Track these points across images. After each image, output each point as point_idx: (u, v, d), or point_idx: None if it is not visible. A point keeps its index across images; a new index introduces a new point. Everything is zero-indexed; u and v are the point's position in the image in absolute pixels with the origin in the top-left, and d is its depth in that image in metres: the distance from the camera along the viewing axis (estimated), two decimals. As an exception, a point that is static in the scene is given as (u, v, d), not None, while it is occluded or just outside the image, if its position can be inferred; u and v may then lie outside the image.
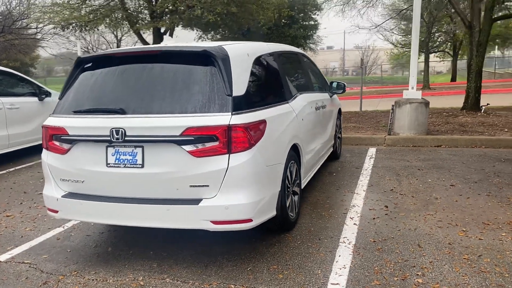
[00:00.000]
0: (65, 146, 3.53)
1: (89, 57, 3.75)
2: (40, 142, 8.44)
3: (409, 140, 8.36)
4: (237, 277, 3.33)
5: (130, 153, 3.34)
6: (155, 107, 3.31)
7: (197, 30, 21.46)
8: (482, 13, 10.47)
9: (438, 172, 6.13)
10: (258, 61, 3.87)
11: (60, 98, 3.75)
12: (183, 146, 3.20)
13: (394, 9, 27.36)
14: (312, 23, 26.04)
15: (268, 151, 3.50)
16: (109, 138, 3.31)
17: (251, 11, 12.18)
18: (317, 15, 26.53)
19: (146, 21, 12.59)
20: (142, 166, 3.31)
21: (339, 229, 4.19)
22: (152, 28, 11.96)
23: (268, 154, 3.50)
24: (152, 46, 3.72)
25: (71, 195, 3.57)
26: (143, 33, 12.99)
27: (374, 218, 4.42)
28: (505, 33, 29.58)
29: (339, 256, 3.61)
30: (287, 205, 3.95)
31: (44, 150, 3.75)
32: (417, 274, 3.25)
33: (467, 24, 10.74)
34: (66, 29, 12.04)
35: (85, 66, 3.74)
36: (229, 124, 3.16)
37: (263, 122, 3.47)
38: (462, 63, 38.04)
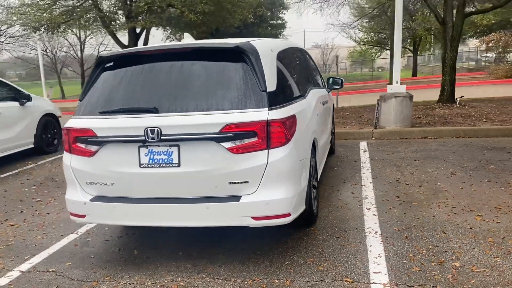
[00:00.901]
0: (93, 148, 3.42)
1: (111, 55, 3.64)
2: (24, 148, 8.13)
3: (396, 133, 8.59)
4: (277, 271, 3.34)
5: (165, 153, 3.28)
6: (191, 105, 3.26)
7: (165, 30, 21.17)
8: (454, 10, 10.90)
9: (434, 162, 6.34)
10: (279, 57, 3.89)
11: (81, 99, 3.63)
12: (222, 143, 3.18)
13: (364, 7, 28.02)
14: (280, 22, 26.22)
15: (299, 145, 3.53)
16: (143, 138, 3.24)
17: (229, 9, 12.15)
18: (284, 14, 26.78)
19: (121, 22, 12.32)
20: (179, 165, 3.26)
21: (360, 220, 4.27)
22: (127, 29, 11.71)
23: (300, 149, 3.53)
24: (180, 44, 3.65)
25: (100, 198, 3.47)
26: (120, 34, 12.71)
27: (390, 208, 4.53)
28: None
29: (370, 246, 3.68)
30: (312, 198, 3.99)
31: (65, 154, 3.62)
32: (452, 259, 3.37)
33: (440, 20, 11.15)
34: (37, 31, 11.59)
35: (106, 66, 3.63)
36: (267, 120, 3.17)
37: (294, 117, 3.49)
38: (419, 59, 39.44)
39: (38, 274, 3.56)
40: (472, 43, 43.96)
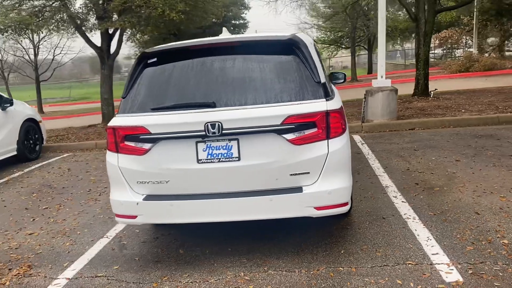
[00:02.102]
0: (145, 146, 3.32)
1: (156, 51, 3.54)
2: (7, 156, 7.72)
3: (384, 126, 8.87)
4: (338, 260, 3.39)
5: (224, 147, 3.25)
6: (249, 98, 3.25)
7: (128, 31, 20.50)
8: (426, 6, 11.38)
9: (434, 151, 6.62)
10: (316, 49, 3.94)
11: (124, 97, 3.51)
12: (283, 135, 3.19)
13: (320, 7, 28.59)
14: (242, 22, 26.28)
15: (348, 135, 3.60)
16: (203, 133, 3.19)
17: (205, 8, 12.06)
18: (246, 14, 26.87)
19: (93, 23, 11.92)
20: (239, 159, 3.24)
21: (393, 207, 4.40)
22: (102, 29, 11.34)
23: (348, 139, 3.60)
24: (230, 37, 3.60)
25: (154, 197, 3.38)
26: (91, 35, 12.28)
27: (415, 195, 4.70)
28: (408, 26, 31.98)
29: (415, 230, 3.81)
30: (351, 188, 4.07)
31: (111, 154, 3.49)
32: (498, 237, 3.55)
33: (413, 16, 11.61)
34: (4, 33, 10.98)
35: (149, 61, 3.53)
36: (327, 110, 3.21)
37: (343, 107, 3.56)
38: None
39: (88, 280, 3.42)
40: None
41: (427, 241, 3.58)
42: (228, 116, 3.18)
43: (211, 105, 3.24)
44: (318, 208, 3.25)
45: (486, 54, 25.23)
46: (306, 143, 3.21)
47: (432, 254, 3.35)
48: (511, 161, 5.69)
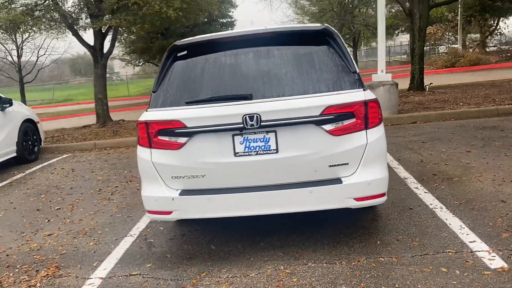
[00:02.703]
0: (181, 140, 3.25)
1: (187, 43, 3.47)
2: (7, 157, 7.52)
3: (386, 120, 8.88)
4: (376, 251, 3.38)
5: (262, 139, 3.20)
6: (286, 89, 3.21)
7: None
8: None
9: (442, 143, 6.68)
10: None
11: (154, 91, 3.43)
12: (322, 126, 3.16)
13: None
14: (229, 20, 26.18)
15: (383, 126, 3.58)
16: (241, 125, 3.14)
17: (200, 6, 11.96)
18: (232, 12, 26.76)
19: (86, 22, 11.71)
20: (277, 151, 3.20)
21: (417, 198, 4.42)
22: (97, 28, 11.15)
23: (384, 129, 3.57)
24: (263, 28, 3.54)
25: (190, 192, 3.31)
26: (82, 34, 12.06)
27: (436, 186, 4.73)
28: (392, 23, 32.35)
29: (446, 219, 3.83)
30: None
31: (142, 149, 3.41)
32: (530, 223, 3.59)
33: (407, 12, 11.72)
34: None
35: (179, 54, 3.46)
36: (365, 100, 3.19)
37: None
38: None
39: (123, 279, 3.34)
40: (403, 38, 46.46)
41: (461, 229, 3.60)
42: (266, 107, 3.14)
43: (248, 97, 3.19)
44: (357, 199, 3.23)
45: (471, 50, 25.65)
46: (345, 133, 3.18)
47: (470, 242, 3.37)
48: (521, 151, 5.78)
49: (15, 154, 7.92)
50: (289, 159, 3.20)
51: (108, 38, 12.09)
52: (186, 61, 3.45)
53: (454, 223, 3.73)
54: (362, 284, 2.94)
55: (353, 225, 3.88)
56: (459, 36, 25.76)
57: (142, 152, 3.41)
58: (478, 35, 29.74)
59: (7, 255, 4.01)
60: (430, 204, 4.20)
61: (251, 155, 3.21)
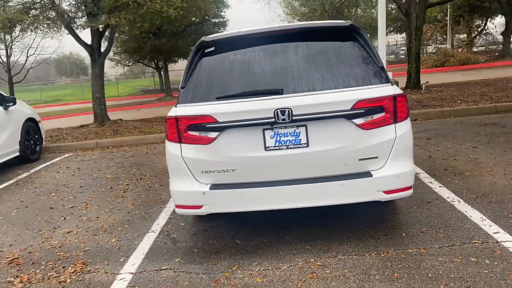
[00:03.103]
0: (211, 135, 3.28)
1: (215, 39, 3.50)
2: (11, 156, 7.45)
3: (387, 118, 9.02)
4: (403, 243, 3.45)
5: (292, 134, 3.25)
6: (317, 84, 3.26)
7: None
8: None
9: (447, 139, 6.80)
10: None
11: (183, 87, 3.45)
12: (353, 120, 3.21)
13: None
14: (222, 20, 26.18)
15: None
16: (272, 120, 3.18)
17: (198, 5, 11.97)
18: (224, 12, 26.76)
19: (85, 20, 11.63)
20: (307, 145, 3.24)
21: (433, 192, 4.50)
22: (93, 27, 11.08)
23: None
24: (289, 25, 3.59)
25: (221, 186, 3.34)
26: (79, 32, 11.97)
27: (449, 180, 4.82)
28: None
29: (466, 212, 3.91)
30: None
31: (172, 144, 3.43)
32: (548, 214, 3.69)
33: (404, 11, 11.87)
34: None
35: (207, 50, 3.49)
36: (394, 95, 3.26)
37: None
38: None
39: (154, 273, 3.35)
40: (390, 38, 46.90)
41: (482, 221, 3.68)
42: (297, 102, 3.18)
43: (279, 91, 3.23)
44: (386, 192, 3.29)
45: (460, 50, 26.04)
46: (375, 127, 3.24)
47: (494, 233, 3.45)
48: (526, 146, 5.91)
49: (18, 153, 7.84)
50: (319, 153, 3.24)
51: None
52: (214, 57, 3.48)
53: (474, 215, 3.82)
54: (395, 274, 3.00)
55: (375, 219, 3.95)
56: (448, 36, 26.15)
57: (172, 147, 3.43)
58: (465, 35, 30.21)
59: (29, 253, 3.99)
60: (447, 198, 4.28)
61: (282, 149, 3.25)
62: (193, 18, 16.09)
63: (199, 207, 3.38)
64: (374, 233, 3.67)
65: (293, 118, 3.17)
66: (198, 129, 3.30)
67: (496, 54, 25.47)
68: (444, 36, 29.40)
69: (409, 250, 3.32)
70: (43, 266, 3.67)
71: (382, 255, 3.29)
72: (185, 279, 3.23)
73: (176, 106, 3.42)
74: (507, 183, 4.54)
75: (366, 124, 3.23)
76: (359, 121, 3.22)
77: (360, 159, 3.28)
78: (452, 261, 3.09)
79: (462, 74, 17.68)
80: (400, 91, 3.33)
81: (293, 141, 3.24)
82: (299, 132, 3.24)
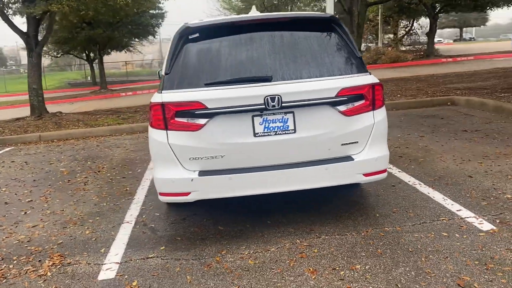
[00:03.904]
0: (200, 121, 3.29)
1: (201, 25, 3.49)
2: None
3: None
4: (378, 222, 3.69)
5: (280, 120, 3.35)
6: (304, 72, 3.38)
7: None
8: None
9: (393, 129, 7.24)
10: None
11: (168, 73, 3.42)
12: (337, 107, 3.38)
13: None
14: (160, 12, 25.61)
15: None
16: (262, 106, 3.26)
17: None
18: (162, 3, 26.18)
19: (21, 6, 10.89)
20: (294, 131, 3.36)
21: (394, 176, 4.83)
22: (33, 14, 10.43)
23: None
24: (275, 14, 3.64)
25: (209, 172, 3.37)
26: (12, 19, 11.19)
27: (406, 165, 5.20)
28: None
29: (428, 193, 4.26)
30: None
31: (156, 131, 3.38)
32: (499, 193, 4.11)
33: (346, 9, 12.39)
34: None
35: (191, 36, 3.48)
36: (372, 83, 3.47)
37: None
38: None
39: (142, 262, 3.31)
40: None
41: (444, 201, 4.03)
42: (287, 89, 3.29)
43: (269, 79, 3.32)
44: (366, 175, 3.50)
45: (389, 48, 27.58)
46: (356, 114, 3.44)
47: (457, 210, 3.80)
48: (466, 135, 6.49)
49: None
50: (306, 139, 3.38)
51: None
52: (200, 43, 3.48)
53: (436, 196, 4.16)
54: (379, 250, 3.21)
55: (348, 202, 4.17)
56: (380, 35, 27.57)
57: (156, 134, 3.39)
58: (393, 35, 32.01)
59: (-5, 248, 3.75)
60: (409, 181, 4.62)
61: (270, 135, 3.34)
62: (138, 9, 15.51)
63: (186, 194, 3.38)
64: (350, 214, 3.88)
65: (282, 104, 3.27)
66: (186, 115, 3.30)
67: (422, 53, 27.28)
68: (375, 35, 30.94)
69: (386, 228, 3.56)
70: (15, 261, 3.49)
71: (362, 234, 3.50)
72: (175, 265, 3.23)
73: (161, 92, 3.38)
74: (457, 168, 4.97)
75: (348, 111, 3.41)
76: (342, 108, 3.39)
77: (342, 144, 3.46)
78: (427, 237, 3.36)
79: (394, 71, 18.78)
80: (377, 80, 3.55)
81: (281, 127, 3.35)
82: (287, 119, 3.35)
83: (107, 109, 13.22)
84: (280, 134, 3.35)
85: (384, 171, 3.61)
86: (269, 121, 3.33)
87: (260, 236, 3.60)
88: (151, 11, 24.36)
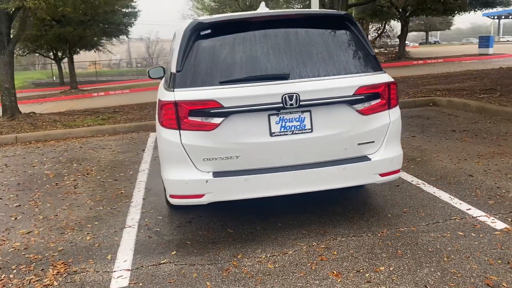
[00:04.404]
0: (215, 120, 3.16)
1: (213, 22, 3.35)
2: None
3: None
4: (392, 222, 3.65)
5: (297, 119, 3.26)
6: (321, 70, 3.30)
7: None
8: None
9: (385, 129, 7.29)
10: None
11: (179, 70, 3.27)
12: (354, 106, 3.32)
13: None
14: (132, 10, 25.09)
15: None
16: (280, 105, 3.16)
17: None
18: (135, 2, 25.67)
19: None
20: (311, 130, 3.28)
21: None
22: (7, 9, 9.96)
23: None
24: (289, 10, 3.54)
25: (224, 173, 3.24)
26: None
27: (405, 166, 5.20)
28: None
29: (434, 192, 4.27)
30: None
31: (168, 131, 3.23)
32: (504, 192, 4.16)
33: (328, 8, 12.43)
34: None
35: (203, 33, 3.35)
36: (388, 82, 3.44)
37: None
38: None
39: (155, 268, 3.15)
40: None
41: (452, 200, 4.04)
42: (304, 87, 3.20)
43: (286, 76, 3.23)
44: (382, 175, 3.46)
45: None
46: (372, 113, 3.39)
47: (467, 209, 3.81)
48: (456, 135, 6.59)
49: None
50: (323, 138, 3.30)
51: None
52: (212, 40, 3.35)
53: (443, 195, 4.17)
54: (399, 251, 3.17)
55: (356, 203, 4.13)
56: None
57: (168, 134, 3.24)
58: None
59: (-10, 257, 3.50)
60: (412, 181, 4.62)
61: (287, 134, 3.25)
62: (117, 8, 15.08)
63: (200, 196, 3.25)
64: (362, 215, 3.83)
65: (301, 103, 3.18)
66: (201, 114, 3.16)
67: (393, 55, 27.81)
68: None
69: (401, 228, 3.53)
70: (15, 271, 3.25)
71: (379, 235, 3.45)
72: (192, 271, 3.08)
73: (173, 90, 3.23)
74: (455, 167, 5.02)
75: (365, 110, 3.36)
76: (359, 106, 3.34)
77: (358, 144, 3.40)
78: (444, 236, 3.35)
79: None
80: (392, 79, 3.51)
81: (298, 127, 3.26)
82: (304, 118, 3.27)
83: (83, 109, 12.81)
84: (297, 133, 3.26)
85: (399, 171, 3.58)
86: (285, 120, 3.24)
87: (273, 239, 3.50)
88: (124, 10, 23.79)
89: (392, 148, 3.51)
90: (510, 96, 9.00)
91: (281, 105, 3.15)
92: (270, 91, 3.16)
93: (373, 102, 3.39)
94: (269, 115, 3.21)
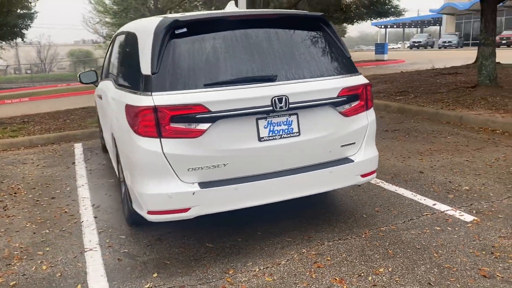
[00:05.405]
0: (202, 126, 2.91)
1: (191, 19, 3.07)
2: None
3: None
4: (371, 223, 3.68)
5: (285, 123, 3.14)
6: (305, 72, 3.22)
7: None
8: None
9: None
10: None
11: (155, 72, 2.96)
12: (337, 107, 3.29)
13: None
14: (28, 11, 22.96)
15: None
16: (270, 108, 3.01)
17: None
18: (31, 3, 23.57)
19: None
20: (299, 133, 3.18)
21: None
22: None
23: None
24: (267, 10, 3.34)
25: (211, 184, 3.00)
26: None
27: (357, 166, 5.33)
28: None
29: (395, 190, 4.41)
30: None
31: (146, 140, 2.90)
32: (457, 185, 4.43)
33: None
34: None
35: (178, 31, 3.07)
36: (365, 83, 3.46)
37: None
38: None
39: (140, 295, 2.80)
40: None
41: (415, 196, 4.21)
42: (293, 89, 3.10)
43: (273, 78, 3.09)
44: (363, 176, 3.48)
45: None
46: (353, 114, 3.39)
47: (433, 205, 3.98)
48: (390, 134, 6.95)
49: None
50: (309, 141, 3.22)
51: None
52: (189, 39, 3.09)
53: (405, 192, 4.33)
54: (389, 251, 3.19)
55: (327, 205, 4.11)
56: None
57: (146, 143, 2.91)
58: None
59: None
60: (374, 180, 4.73)
61: (276, 139, 3.11)
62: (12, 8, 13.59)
63: (186, 210, 2.97)
64: (338, 217, 3.82)
65: (290, 106, 3.06)
66: (185, 120, 2.89)
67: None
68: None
69: (381, 228, 3.57)
70: (-38, 316, 2.68)
71: (363, 236, 3.45)
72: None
73: (150, 95, 2.91)
74: (403, 165, 5.26)
75: (347, 111, 3.35)
76: (341, 108, 3.31)
77: (342, 146, 3.38)
78: (424, 232, 3.45)
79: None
80: (367, 81, 3.54)
81: (286, 130, 3.14)
82: (291, 121, 3.15)
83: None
84: (285, 137, 3.14)
85: (374, 172, 3.62)
86: (274, 124, 3.10)
87: (259, 249, 3.33)
88: (18, 11, 21.67)
89: (370, 149, 3.54)
90: (423, 97, 9.76)
91: (271, 108, 3.01)
92: (259, 94, 3.00)
93: (354, 104, 3.39)
94: (257, 119, 3.05)
